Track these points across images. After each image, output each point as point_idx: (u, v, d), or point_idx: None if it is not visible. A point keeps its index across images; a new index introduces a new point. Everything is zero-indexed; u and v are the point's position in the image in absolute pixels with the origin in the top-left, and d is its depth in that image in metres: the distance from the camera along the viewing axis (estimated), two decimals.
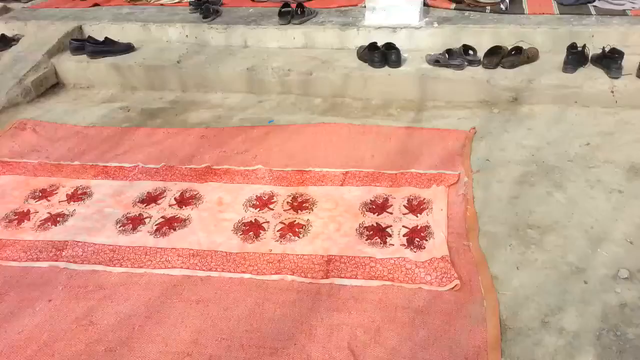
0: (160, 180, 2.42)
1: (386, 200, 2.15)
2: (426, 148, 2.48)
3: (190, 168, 2.48)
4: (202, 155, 2.58)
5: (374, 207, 2.12)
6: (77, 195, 2.35)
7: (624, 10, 3.21)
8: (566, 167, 2.27)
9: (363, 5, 3.55)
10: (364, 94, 3.05)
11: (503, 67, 2.91)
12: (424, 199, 2.13)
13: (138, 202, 2.28)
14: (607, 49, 2.81)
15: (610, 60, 2.76)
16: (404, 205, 2.11)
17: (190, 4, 3.92)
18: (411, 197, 2.15)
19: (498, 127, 2.63)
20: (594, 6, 3.32)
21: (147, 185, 2.39)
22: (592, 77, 2.77)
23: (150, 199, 2.29)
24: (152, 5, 4.17)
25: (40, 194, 2.39)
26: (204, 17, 3.68)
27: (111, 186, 2.41)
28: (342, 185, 2.26)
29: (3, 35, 3.87)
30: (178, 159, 2.58)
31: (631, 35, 2.98)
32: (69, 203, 2.31)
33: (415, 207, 2.10)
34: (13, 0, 4.52)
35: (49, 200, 2.34)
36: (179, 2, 4.14)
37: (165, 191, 2.34)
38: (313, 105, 3.04)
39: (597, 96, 2.73)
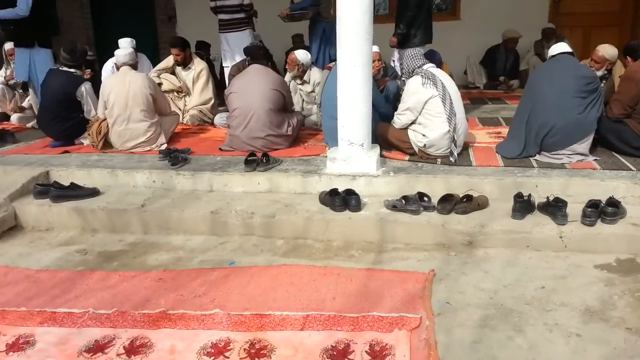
0: (110, 327, 2.29)
1: (347, 345, 2.07)
2: (387, 290, 2.48)
3: (144, 313, 2.37)
4: (158, 300, 2.49)
5: (335, 353, 2.03)
6: (18, 345, 2.18)
7: (563, 164, 3.52)
8: (524, 310, 2.29)
9: (325, 155, 3.80)
10: (325, 236, 3.12)
11: (456, 213, 3.07)
12: (387, 344, 2.07)
13: (84, 351, 2.12)
14: (551, 198, 3.03)
15: (555, 208, 2.95)
16: (365, 352, 2.04)
17: (159, 152, 4.11)
18: (373, 342, 2.08)
19: (456, 270, 2.69)
20: (535, 160, 3.64)
21: (96, 333, 2.25)
22: (540, 224, 2.94)
23: (98, 347, 2.14)
24: (122, 153, 4.33)
25: None
26: (172, 165, 3.83)
27: (57, 334, 2.25)
28: (302, 329, 2.19)
29: None
30: (132, 303, 2.48)
31: (571, 186, 3.23)
32: (7, 354, 2.12)
33: (377, 353, 2.02)
34: None
35: None
36: (148, 151, 4.32)
37: (114, 339, 2.20)
38: (275, 247, 3.07)
39: (547, 241, 2.86)
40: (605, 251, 2.79)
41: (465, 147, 3.96)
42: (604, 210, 2.89)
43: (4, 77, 6.05)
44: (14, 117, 5.92)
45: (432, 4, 5.79)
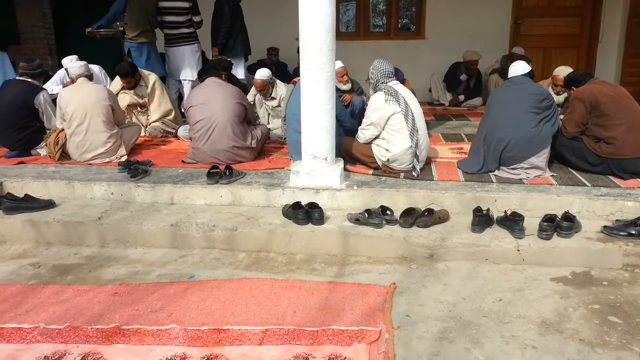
0: (62, 343, 2.20)
1: (306, 359, 2.05)
2: (348, 303, 2.47)
3: (97, 328, 2.29)
4: (112, 314, 2.41)
5: None
6: None
7: (521, 179, 3.61)
8: (482, 322, 2.32)
9: (288, 168, 3.79)
10: (288, 249, 3.10)
11: (418, 226, 3.10)
12: (346, 357, 2.05)
13: None
14: (509, 212, 3.10)
15: (512, 222, 3.02)
16: None
17: (119, 164, 4.02)
18: (332, 356, 2.06)
19: (417, 283, 2.70)
20: (494, 175, 3.72)
21: (46, 349, 2.15)
22: (498, 237, 3.00)
23: None
24: (80, 164, 4.21)
25: None
26: (131, 177, 3.75)
27: (4, 350, 2.15)
28: (260, 344, 2.15)
29: None
30: (85, 318, 2.39)
31: (528, 200, 3.32)
32: None
33: None
34: None
35: None
36: (107, 163, 4.22)
37: (65, 355, 2.11)
38: (237, 260, 3.02)
39: (505, 254, 2.92)
40: (561, 264, 2.86)
41: (428, 162, 4.03)
42: (559, 225, 2.98)
43: None
44: None
45: (243, 17, 6.35)
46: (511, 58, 6.67)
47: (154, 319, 2.38)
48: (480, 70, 7.38)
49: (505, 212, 3.12)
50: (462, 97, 7.43)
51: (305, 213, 3.18)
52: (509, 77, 3.91)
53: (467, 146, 4.40)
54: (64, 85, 4.97)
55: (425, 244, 2.97)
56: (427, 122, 4.06)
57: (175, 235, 3.20)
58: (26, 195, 3.56)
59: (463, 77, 7.33)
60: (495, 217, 3.15)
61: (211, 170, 3.73)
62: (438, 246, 2.95)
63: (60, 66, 5.51)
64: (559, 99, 4.96)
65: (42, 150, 4.46)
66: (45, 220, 3.33)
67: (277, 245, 3.12)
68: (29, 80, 4.48)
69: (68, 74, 4.76)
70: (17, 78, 4.56)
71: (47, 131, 4.46)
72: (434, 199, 3.37)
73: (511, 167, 3.66)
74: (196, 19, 5.95)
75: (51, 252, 3.21)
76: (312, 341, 2.17)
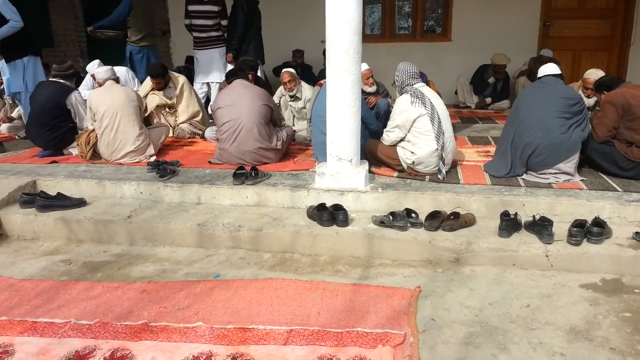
0: (92, 338, 2.25)
1: None
2: (372, 306, 2.47)
3: (126, 325, 2.34)
4: (141, 311, 2.46)
5: None
6: None
7: (549, 183, 3.55)
8: (509, 328, 2.29)
9: (314, 170, 3.81)
10: (312, 250, 3.11)
11: (444, 229, 3.07)
12: None
13: None
14: (537, 217, 3.04)
15: (541, 227, 2.97)
16: None
17: (148, 164, 4.10)
18: (357, 358, 2.07)
19: (442, 287, 2.68)
20: (522, 179, 3.67)
21: (77, 344, 2.21)
22: (526, 242, 2.95)
23: (78, 358, 2.11)
24: (111, 164, 4.31)
25: None
26: (160, 177, 3.82)
27: (37, 344, 2.22)
28: (285, 344, 2.17)
29: None
30: (114, 314, 2.44)
31: (557, 205, 3.26)
32: None
33: None
34: None
35: None
36: (137, 163, 4.31)
37: (95, 350, 2.16)
38: (262, 260, 3.05)
39: (533, 259, 2.87)
40: (590, 271, 2.80)
41: (454, 165, 3.99)
42: (589, 230, 2.91)
43: None
44: (4, 127, 5.90)
45: (260, 21, 6.18)
46: (540, 60, 6.56)
47: (181, 316, 2.42)
48: (508, 72, 7.28)
49: (534, 216, 3.07)
50: (489, 100, 7.34)
51: (330, 215, 3.19)
52: (538, 77, 3.83)
53: (494, 149, 4.34)
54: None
55: (451, 248, 2.94)
56: (453, 125, 4.02)
57: (202, 235, 3.25)
58: (58, 193, 3.66)
59: (491, 80, 7.24)
60: (523, 222, 3.10)
61: (237, 171, 3.77)
62: (464, 250, 2.92)
63: None
64: (589, 102, 4.84)
65: (74, 150, 4.58)
66: (76, 218, 3.42)
67: (302, 246, 3.13)
68: (62, 81, 4.61)
69: (94, 79, 4.89)
70: (50, 79, 4.69)
71: (79, 131, 4.58)
72: (460, 202, 3.34)
73: (539, 172, 3.60)
74: (224, 22, 6.05)
75: (82, 249, 3.29)
76: (337, 343, 2.17)
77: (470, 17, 7.60)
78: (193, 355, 2.11)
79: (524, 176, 3.68)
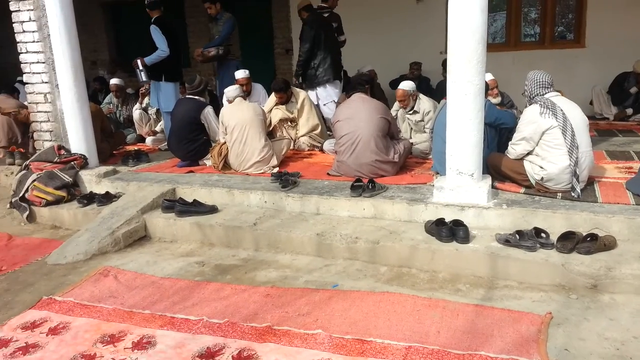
0: (221, 336, 2.42)
1: None
2: (497, 329, 2.34)
3: (252, 326, 2.48)
4: (265, 314, 2.60)
5: None
6: (142, 344, 2.39)
7: None
8: None
9: (432, 184, 3.73)
10: (430, 266, 3.04)
11: (579, 252, 2.83)
12: None
13: (197, 356, 2.28)
14: None
15: None
16: None
17: (272, 175, 4.33)
18: None
19: (577, 315, 2.46)
20: None
21: (208, 340, 2.39)
22: None
23: (209, 354, 2.28)
24: (239, 174, 4.62)
25: (109, 339, 2.46)
26: (282, 187, 4.01)
27: (174, 338, 2.44)
28: None
29: (107, 192, 4.42)
30: (242, 315, 2.61)
31: None
32: (132, 351, 2.35)
33: None
34: (122, 164, 5.22)
35: (115, 346, 2.39)
36: (262, 173, 4.57)
37: (224, 348, 2.32)
38: (378, 273, 3.05)
39: None
40: None
41: (590, 181, 3.66)
42: None
43: (145, 104, 6.79)
44: (148, 140, 6.61)
45: (332, 38, 5.82)
46: None
47: (301, 322, 2.50)
48: None
49: None
50: (630, 111, 6.64)
51: (450, 230, 3.10)
52: None
53: (637, 165, 3.91)
54: None
55: (588, 273, 2.69)
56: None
57: (320, 245, 3.34)
58: (194, 200, 4.02)
59: (633, 89, 6.55)
60: None
61: (355, 184, 3.82)
62: (603, 276, 2.66)
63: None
64: None
65: (207, 161, 4.99)
66: (209, 224, 3.71)
67: (420, 262, 3.08)
68: (195, 97, 5.07)
69: (225, 98, 5.31)
70: (186, 97, 5.18)
71: (212, 144, 4.98)
72: (598, 222, 3.05)
73: None
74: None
75: (213, 252, 3.56)
76: None
77: (606, 21, 6.96)
78: None
79: None
